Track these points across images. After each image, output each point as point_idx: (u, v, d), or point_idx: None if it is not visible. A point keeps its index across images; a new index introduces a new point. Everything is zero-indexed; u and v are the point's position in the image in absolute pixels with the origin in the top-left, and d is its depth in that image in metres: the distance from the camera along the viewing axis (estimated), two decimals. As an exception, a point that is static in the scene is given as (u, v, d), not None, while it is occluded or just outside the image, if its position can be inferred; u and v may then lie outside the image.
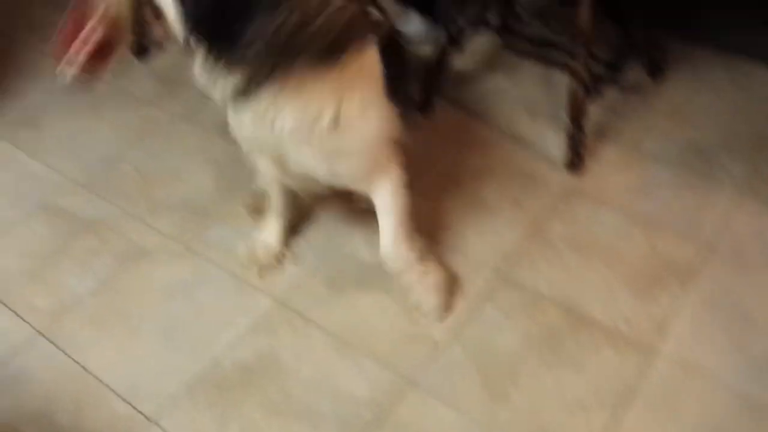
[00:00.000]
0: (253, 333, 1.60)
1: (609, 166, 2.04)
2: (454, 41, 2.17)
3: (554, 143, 2.08)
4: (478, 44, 2.39)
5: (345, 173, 1.45)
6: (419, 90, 2.19)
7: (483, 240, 1.83)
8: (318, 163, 1.39)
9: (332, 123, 1.28)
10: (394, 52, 1.40)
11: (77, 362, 1.54)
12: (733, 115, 2.16)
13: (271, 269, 1.74)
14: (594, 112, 2.06)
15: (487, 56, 2.45)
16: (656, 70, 2.30)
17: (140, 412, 1.46)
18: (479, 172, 2.03)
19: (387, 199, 1.54)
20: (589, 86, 1.97)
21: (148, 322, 1.62)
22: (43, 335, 1.59)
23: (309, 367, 1.54)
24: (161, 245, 1.80)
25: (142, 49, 2.43)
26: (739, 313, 1.62)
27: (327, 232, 1.84)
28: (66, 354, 1.55)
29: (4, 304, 1.66)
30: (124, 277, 1.72)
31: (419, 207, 1.89)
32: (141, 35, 2.39)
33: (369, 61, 1.30)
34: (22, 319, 1.62)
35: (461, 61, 2.30)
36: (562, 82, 2.28)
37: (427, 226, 1.85)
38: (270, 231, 1.76)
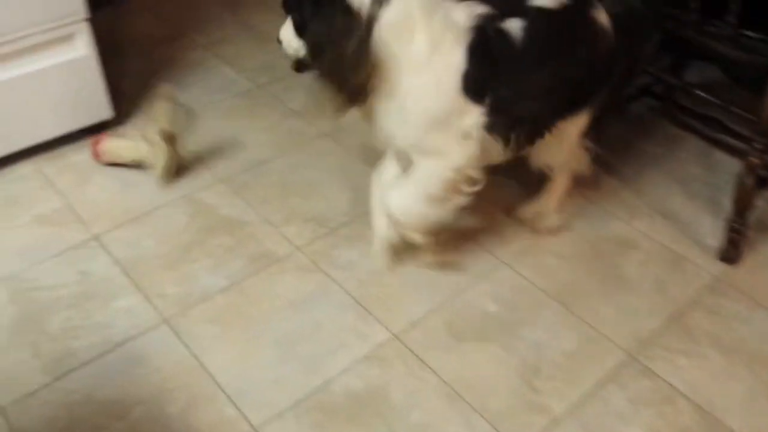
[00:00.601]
0: (367, 362, 1.57)
1: (767, 263, 1.87)
2: (616, 105, 2.08)
3: (709, 227, 1.94)
4: (637, 107, 2.28)
5: None
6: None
7: (618, 317, 1.71)
8: None
9: None
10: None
11: (195, 356, 1.55)
12: None
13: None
14: (759, 200, 1.90)
15: (645, 121, 2.34)
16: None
17: (246, 419, 1.44)
18: (622, 242, 1.91)
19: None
20: (760, 177, 1.82)
21: (268, 330, 1.62)
22: (168, 323, 1.62)
23: (418, 411, 1.48)
24: (291, 255, 1.81)
25: (301, 66, 2.47)
26: None
27: (455, 277, 1.79)
28: (186, 346, 1.57)
29: (136, 285, 1.71)
30: (252, 281, 1.73)
31: (553, 266, 1.82)
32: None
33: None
34: (150, 303, 1.66)
35: (616, 121, 2.20)
36: (723, 161, 2.14)
37: (559, 289, 1.76)
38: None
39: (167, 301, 1.67)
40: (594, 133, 2.10)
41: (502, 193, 2.03)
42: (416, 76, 1.44)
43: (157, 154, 1.96)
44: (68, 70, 2.01)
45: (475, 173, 1.57)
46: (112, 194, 1.96)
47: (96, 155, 2.03)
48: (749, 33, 1.74)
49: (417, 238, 1.68)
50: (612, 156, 2.20)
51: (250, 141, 2.19)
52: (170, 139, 1.94)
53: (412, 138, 1.53)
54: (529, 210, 1.93)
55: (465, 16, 1.47)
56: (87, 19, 1.98)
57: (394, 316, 1.67)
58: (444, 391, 1.52)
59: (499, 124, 1.53)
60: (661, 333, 1.68)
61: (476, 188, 1.59)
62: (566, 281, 1.79)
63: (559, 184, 1.91)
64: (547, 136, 1.68)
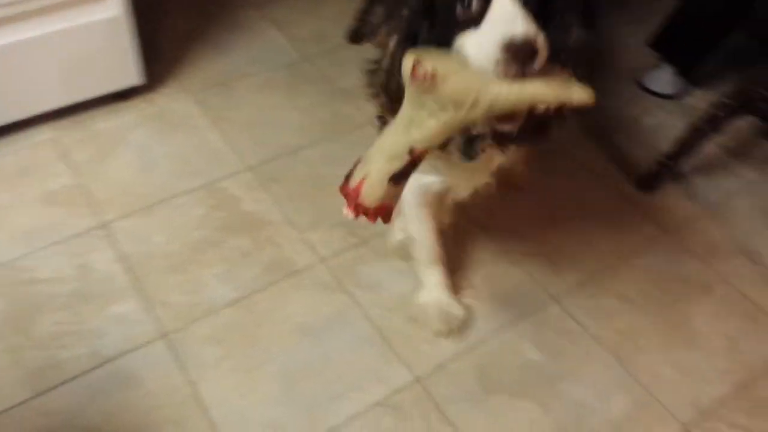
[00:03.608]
0: (380, 410, 1.38)
1: None
2: (714, 122, 1.77)
3: (801, 277, 1.66)
4: (740, 124, 1.96)
5: None
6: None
7: (679, 379, 1.48)
8: None
9: None
10: None
11: (191, 383, 1.39)
12: None
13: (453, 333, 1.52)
14: None
15: (745, 140, 2.03)
16: None
17: (236, 467, 1.29)
18: (695, 285, 1.66)
19: None
20: None
21: (274, 359, 1.44)
22: (166, 339, 1.46)
23: (430, 477, 1.30)
24: (311, 268, 1.62)
25: (357, 36, 2.22)
26: None
27: (496, 313, 1.57)
28: (183, 369, 1.41)
29: (138, 288, 1.55)
30: (264, 295, 1.55)
31: (611, 308, 1.59)
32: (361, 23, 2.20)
33: None
34: (150, 312, 1.51)
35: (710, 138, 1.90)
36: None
37: (615, 339, 1.53)
38: (437, 286, 1.54)
39: (169, 311, 1.50)
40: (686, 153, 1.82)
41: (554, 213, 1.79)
42: None
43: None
44: (97, 30, 1.82)
45: None
46: (130, 175, 1.79)
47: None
48: None
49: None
50: (697, 178, 1.91)
51: (287, 122, 1.98)
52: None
53: None
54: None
55: None
56: (121, -24, 1.79)
57: (420, 356, 1.47)
58: (460, 454, 1.33)
59: None
60: (725, 403, 1.45)
61: None
62: (624, 329, 1.56)
63: None
64: None
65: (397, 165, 1.04)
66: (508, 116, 1.03)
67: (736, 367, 1.51)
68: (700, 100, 2.10)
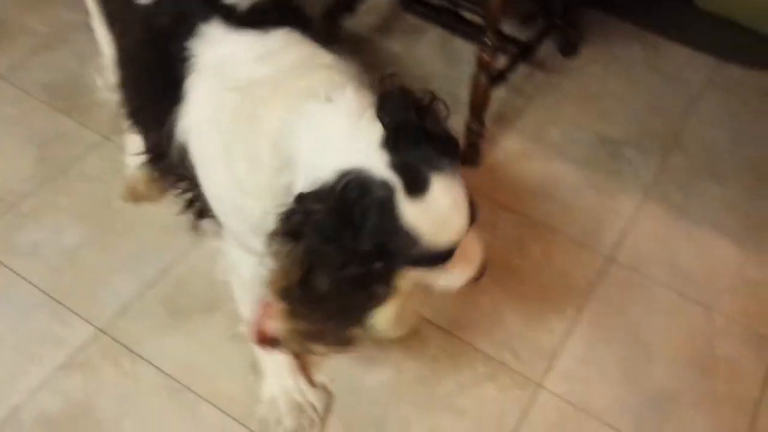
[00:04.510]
0: (64, 373, 1.30)
1: (508, 158, 1.81)
2: (345, 4, 1.84)
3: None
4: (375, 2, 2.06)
5: None
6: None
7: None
8: None
9: None
10: None
11: None
12: (647, 105, 1.97)
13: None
14: (497, 91, 1.79)
15: (384, 17, 2.13)
16: (569, 47, 2.06)
17: None
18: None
19: None
20: (494, 74, 1.70)
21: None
22: None
23: (134, 419, 1.26)
24: (-47, 251, 1.44)
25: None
26: (635, 340, 1.47)
27: (174, 238, 1.52)
28: None
29: None
30: None
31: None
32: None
33: None
34: None
35: (352, 21, 1.98)
36: (463, 49, 2.01)
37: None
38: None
39: None
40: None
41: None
42: None
43: None
44: None
45: None
46: None
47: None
48: None
49: None
50: (348, 57, 1.99)
51: None
52: None
53: None
54: None
55: None
56: None
57: (99, 305, 1.39)
58: (165, 387, 1.31)
59: None
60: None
61: None
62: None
63: None
64: None
65: None
66: None
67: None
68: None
